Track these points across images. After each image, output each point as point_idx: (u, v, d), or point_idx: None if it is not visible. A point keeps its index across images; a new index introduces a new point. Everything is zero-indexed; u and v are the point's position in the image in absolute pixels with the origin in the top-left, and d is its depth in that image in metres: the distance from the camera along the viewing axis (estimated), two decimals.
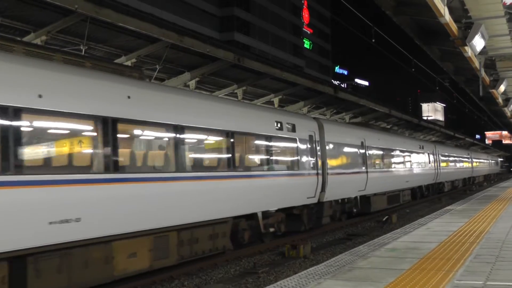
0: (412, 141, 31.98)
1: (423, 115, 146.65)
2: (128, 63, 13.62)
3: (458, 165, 45.36)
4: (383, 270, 8.05)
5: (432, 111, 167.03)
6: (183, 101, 11.36)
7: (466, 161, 50.11)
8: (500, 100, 30.60)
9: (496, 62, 22.81)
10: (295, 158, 15.72)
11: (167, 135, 10.88)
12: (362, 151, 21.18)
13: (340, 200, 19.14)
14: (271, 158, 14.58)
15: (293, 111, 20.15)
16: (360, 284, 7.17)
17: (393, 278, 7.46)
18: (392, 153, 25.76)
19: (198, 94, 13.27)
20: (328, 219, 18.25)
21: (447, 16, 14.98)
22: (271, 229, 14.77)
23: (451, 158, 41.86)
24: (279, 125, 14.98)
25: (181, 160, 10.91)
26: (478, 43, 16.78)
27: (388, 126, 33.94)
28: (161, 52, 13.66)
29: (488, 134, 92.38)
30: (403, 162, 27.92)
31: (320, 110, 25.00)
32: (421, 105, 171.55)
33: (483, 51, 18.76)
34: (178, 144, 10.84)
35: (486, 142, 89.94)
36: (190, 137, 11.49)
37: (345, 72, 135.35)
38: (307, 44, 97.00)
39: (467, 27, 16.40)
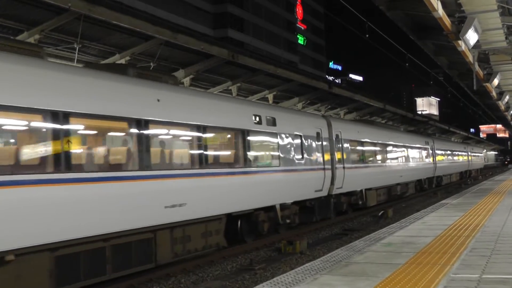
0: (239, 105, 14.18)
1: (417, 109, 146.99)
2: (122, 61, 13.61)
3: (404, 161, 30.02)
4: (379, 265, 8.07)
5: (427, 105, 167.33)
6: None
7: (422, 155, 34.81)
8: (494, 93, 30.63)
9: (489, 56, 22.80)
10: None
11: None
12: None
13: None
14: None
15: None
16: (357, 279, 7.20)
17: (389, 272, 7.48)
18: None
19: None
20: None
21: (440, 11, 14.98)
22: None
23: (385, 150, 26.35)
24: None
25: None
26: (472, 37, 16.78)
27: (383, 121, 34.02)
28: (155, 49, 13.65)
29: (483, 127, 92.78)
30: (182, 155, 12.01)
31: (315, 106, 25.06)
32: (415, 100, 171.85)
33: (477, 45, 18.72)
34: None
35: (481, 136, 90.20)
36: None
37: (339, 68, 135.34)
38: (301, 40, 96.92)
39: (461, 21, 16.40)
